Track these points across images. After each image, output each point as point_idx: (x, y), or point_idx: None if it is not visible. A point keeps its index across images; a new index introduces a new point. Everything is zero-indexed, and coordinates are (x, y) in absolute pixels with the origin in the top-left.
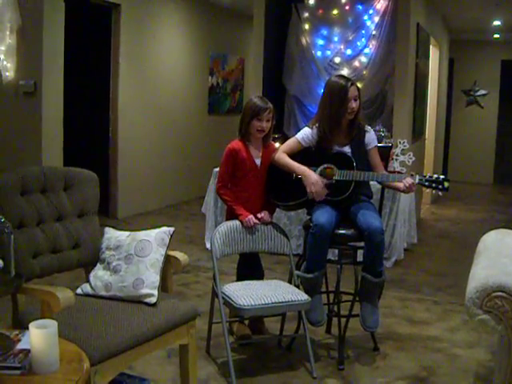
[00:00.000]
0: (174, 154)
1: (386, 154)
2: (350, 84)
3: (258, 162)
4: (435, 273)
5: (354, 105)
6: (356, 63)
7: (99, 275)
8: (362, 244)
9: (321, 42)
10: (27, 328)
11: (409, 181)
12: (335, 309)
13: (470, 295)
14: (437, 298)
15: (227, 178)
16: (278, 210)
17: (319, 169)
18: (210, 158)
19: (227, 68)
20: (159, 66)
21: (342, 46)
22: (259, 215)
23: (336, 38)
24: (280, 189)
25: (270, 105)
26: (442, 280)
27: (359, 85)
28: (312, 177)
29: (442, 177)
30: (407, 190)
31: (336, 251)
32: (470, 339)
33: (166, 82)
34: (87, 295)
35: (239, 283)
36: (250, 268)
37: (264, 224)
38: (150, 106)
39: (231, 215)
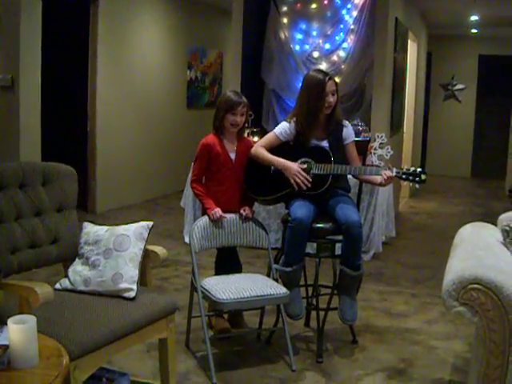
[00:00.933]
0: (152, 148)
1: (364, 147)
2: (327, 78)
3: (232, 156)
4: (413, 266)
5: (331, 99)
6: (334, 57)
7: (78, 270)
8: (340, 237)
9: (299, 36)
10: (6, 324)
11: (387, 173)
12: (314, 302)
13: (447, 288)
14: (415, 291)
15: (201, 172)
16: (256, 204)
17: (296, 163)
18: (188, 152)
19: (206, 62)
20: (137, 60)
21: (321, 41)
22: (242, 212)
23: (314, 33)
24: (258, 183)
25: (244, 99)
26: (419, 273)
27: (337, 79)
28: (293, 168)
29: (419, 169)
30: (384, 183)
31: (314, 245)
32: (448, 331)
33: (145, 76)
34: (66, 290)
35: (218, 277)
36: (228, 262)
37: (247, 220)
38: (128, 101)
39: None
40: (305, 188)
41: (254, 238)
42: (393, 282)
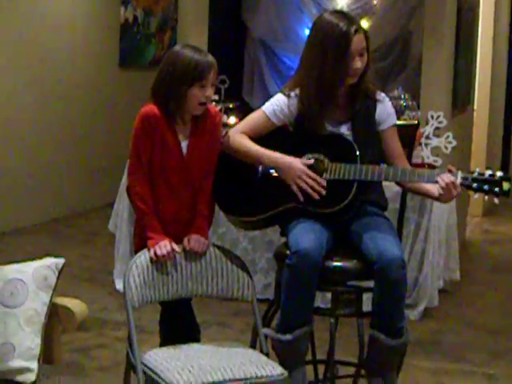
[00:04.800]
0: (62, 137)
1: (409, 136)
2: (353, 29)
3: (183, 147)
4: (489, 329)
5: (359, 63)
6: None
7: None
8: (370, 284)
9: None
10: None
11: (446, 178)
12: None
13: None
14: (492, 370)
15: (143, 164)
16: (232, 227)
17: (300, 159)
18: (121, 143)
19: None
20: None
21: None
22: (185, 244)
23: None
24: (236, 194)
25: (212, 58)
26: (499, 341)
27: (367, 23)
28: (294, 166)
29: (499, 174)
30: (445, 196)
31: (328, 296)
32: None
33: (52, 19)
34: None
35: (170, 349)
36: (179, 323)
37: (195, 257)
38: (23, 59)
39: (145, 237)
40: (317, 197)
41: (230, 283)
42: (456, 355)
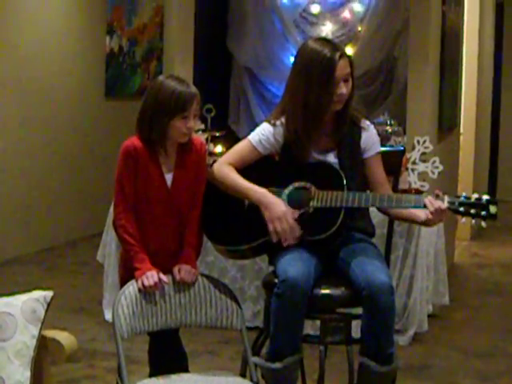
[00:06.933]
0: (49, 168)
1: (395, 162)
2: (338, 55)
3: (168, 179)
4: (480, 353)
5: (344, 89)
6: (345, 14)
7: None
8: (359, 311)
9: None
10: None
11: (435, 203)
12: None
13: None
14: None
15: (130, 197)
16: (220, 256)
17: (287, 190)
18: (109, 173)
19: (136, 22)
20: (25, 26)
21: None
22: (175, 274)
23: None
24: (222, 224)
25: (195, 88)
26: (489, 364)
27: (351, 49)
28: (277, 207)
29: (485, 197)
30: (432, 220)
31: (317, 323)
32: None
33: (37, 49)
34: None
35: (160, 379)
36: (167, 352)
37: (184, 287)
38: (10, 89)
39: (130, 267)
40: (287, 244)
41: (218, 312)
42: (446, 379)
